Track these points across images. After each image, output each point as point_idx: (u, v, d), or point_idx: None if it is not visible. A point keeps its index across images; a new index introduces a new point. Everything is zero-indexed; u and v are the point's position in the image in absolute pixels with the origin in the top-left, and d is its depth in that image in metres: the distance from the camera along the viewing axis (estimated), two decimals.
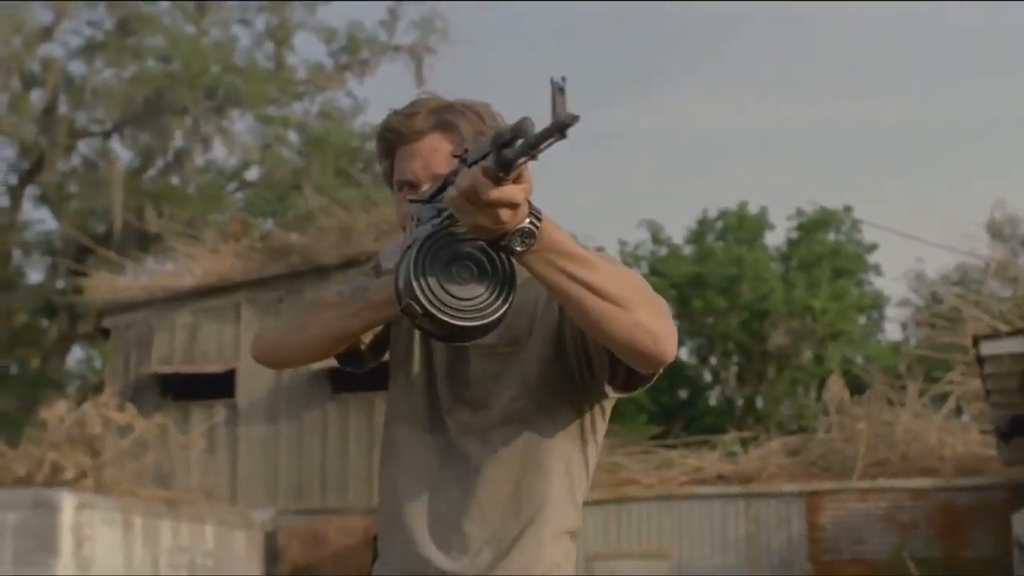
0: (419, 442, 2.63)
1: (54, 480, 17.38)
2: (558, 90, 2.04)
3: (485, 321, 2.37)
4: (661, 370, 2.44)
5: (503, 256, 2.35)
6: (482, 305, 2.36)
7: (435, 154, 2.58)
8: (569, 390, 2.57)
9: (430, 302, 2.33)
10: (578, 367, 2.55)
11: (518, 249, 2.23)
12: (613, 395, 2.54)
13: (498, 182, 2.14)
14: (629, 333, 2.31)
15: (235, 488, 22.44)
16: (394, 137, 2.64)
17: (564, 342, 2.56)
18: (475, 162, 2.19)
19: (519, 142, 2.10)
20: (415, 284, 2.33)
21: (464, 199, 2.17)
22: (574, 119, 2.03)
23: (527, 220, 2.21)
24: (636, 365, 2.41)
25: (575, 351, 2.54)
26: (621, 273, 2.37)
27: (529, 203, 2.21)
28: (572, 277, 2.28)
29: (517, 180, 2.15)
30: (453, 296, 2.34)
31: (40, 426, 18.98)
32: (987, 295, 21.61)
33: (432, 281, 2.34)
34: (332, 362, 2.84)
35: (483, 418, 2.57)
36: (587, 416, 2.61)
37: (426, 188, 2.56)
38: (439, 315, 2.34)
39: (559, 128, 2.04)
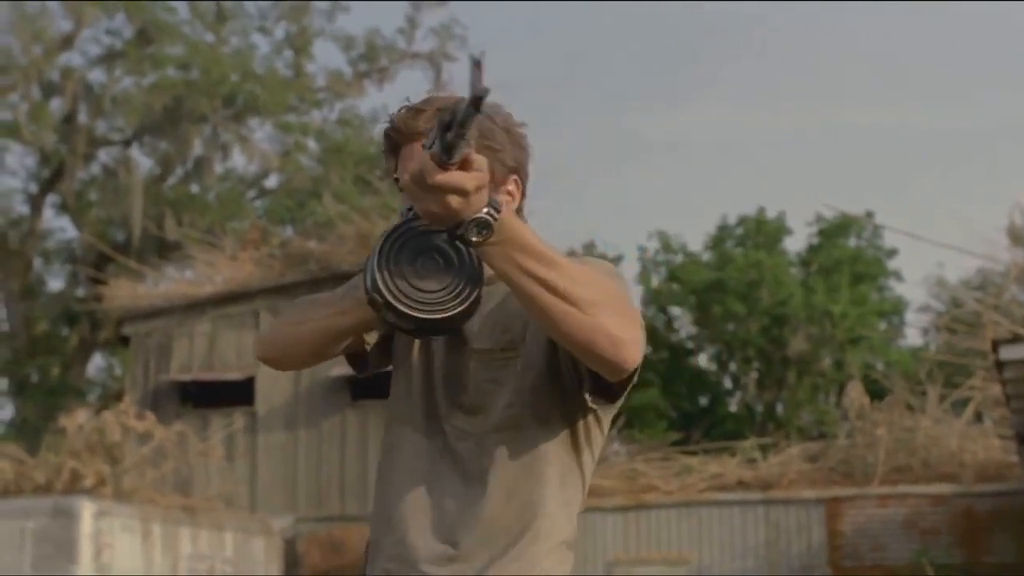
0: (416, 446, 2.61)
1: (74, 488, 17.40)
2: (475, 64, 2.03)
3: (448, 314, 2.37)
4: (634, 378, 2.42)
5: (471, 250, 2.34)
6: (445, 298, 2.36)
7: None
8: (562, 397, 2.53)
9: (392, 294, 2.34)
10: (569, 374, 2.52)
11: (473, 239, 2.21)
12: (591, 403, 2.50)
13: (444, 167, 2.13)
14: (587, 335, 2.29)
15: (254, 495, 22.47)
16: (396, 135, 2.63)
17: (556, 348, 2.52)
18: (429, 147, 2.18)
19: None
20: (378, 276, 2.35)
21: (412, 183, 2.17)
22: (485, 91, 2.02)
23: (484, 211, 2.20)
24: (598, 369, 2.38)
25: (566, 357, 2.51)
26: (588, 276, 2.32)
27: (491, 197, 2.21)
28: (530, 274, 2.25)
29: (465, 167, 2.15)
30: (416, 288, 2.35)
31: (60, 434, 19.01)
32: (1007, 299, 21.51)
33: (396, 273, 2.35)
34: (350, 369, 2.83)
35: (479, 424, 2.55)
36: (581, 425, 2.57)
37: None
38: (400, 307, 2.34)
39: (473, 103, 2.03)
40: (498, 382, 2.55)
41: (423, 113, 2.60)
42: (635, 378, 2.44)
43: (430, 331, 2.43)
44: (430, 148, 2.17)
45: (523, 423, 2.53)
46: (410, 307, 2.35)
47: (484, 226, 2.20)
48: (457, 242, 2.29)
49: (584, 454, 2.59)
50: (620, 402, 2.53)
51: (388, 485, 2.64)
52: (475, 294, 2.38)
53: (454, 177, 2.14)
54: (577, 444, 2.57)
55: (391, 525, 2.59)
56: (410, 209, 2.40)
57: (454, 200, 2.16)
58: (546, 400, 2.53)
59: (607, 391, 2.47)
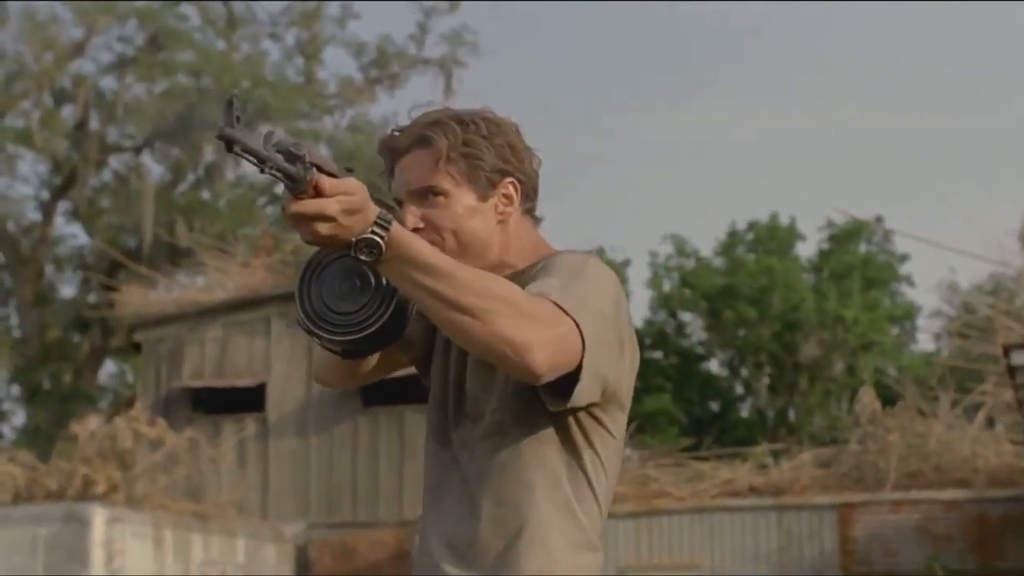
0: (433, 458, 2.65)
1: (85, 494, 17.45)
2: (226, 104, 2.11)
3: (363, 334, 2.43)
4: (579, 376, 2.38)
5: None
6: (362, 319, 2.43)
7: (410, 171, 2.60)
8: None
9: (310, 319, 2.43)
10: None
11: (363, 259, 2.28)
12: (550, 408, 2.48)
13: (297, 196, 2.21)
14: (484, 343, 2.31)
15: (266, 501, 22.48)
16: (385, 156, 2.69)
17: None
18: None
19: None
20: (298, 302, 2.43)
21: (283, 216, 2.26)
22: (223, 133, 2.10)
23: (369, 231, 2.26)
24: (514, 376, 2.40)
25: None
26: (483, 284, 2.34)
27: (380, 215, 2.26)
28: (423, 288, 2.30)
29: (319, 193, 2.21)
30: (333, 311, 2.43)
31: (72, 440, 19.06)
32: (1019, 304, 21.49)
33: (314, 298, 2.43)
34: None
35: (474, 432, 2.56)
36: (573, 426, 2.53)
37: (410, 207, 2.60)
38: (321, 333, 2.43)
39: (222, 141, 2.11)
40: (488, 389, 2.56)
41: (405, 132, 2.64)
42: (581, 376, 2.40)
43: (359, 351, 2.51)
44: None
45: (508, 428, 2.52)
46: (328, 331, 2.43)
47: (371, 245, 2.27)
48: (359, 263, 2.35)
49: (585, 454, 2.55)
50: (585, 400, 2.46)
51: (422, 495, 2.69)
52: (390, 310, 2.43)
53: (309, 205, 2.22)
54: (573, 444, 2.54)
55: (420, 535, 2.64)
56: None
57: (323, 227, 2.24)
58: (530, 404, 2.51)
59: (560, 392, 2.44)
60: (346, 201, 2.23)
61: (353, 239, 2.25)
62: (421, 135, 2.60)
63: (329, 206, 2.21)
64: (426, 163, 2.59)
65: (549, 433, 2.53)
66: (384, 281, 2.42)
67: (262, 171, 2.16)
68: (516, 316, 2.32)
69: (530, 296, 2.37)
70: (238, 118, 2.11)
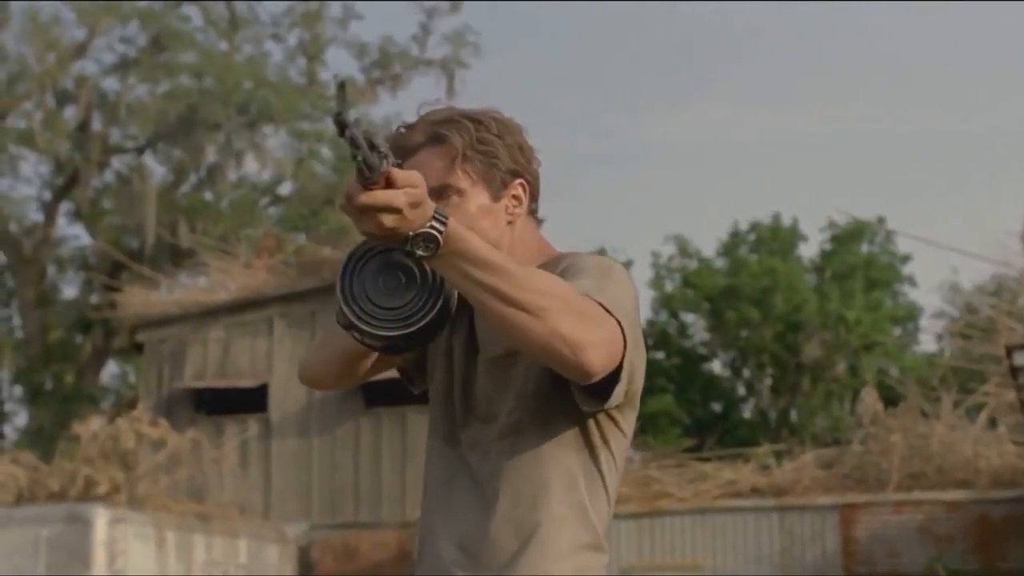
0: (440, 456, 2.63)
1: (88, 495, 17.46)
2: (338, 87, 2.10)
3: (411, 329, 2.39)
4: (619, 378, 2.40)
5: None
6: (408, 313, 2.39)
7: (424, 168, 2.54)
8: (565, 400, 2.51)
9: (355, 314, 2.38)
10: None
11: (420, 253, 2.24)
12: (583, 408, 2.48)
13: (367, 187, 2.17)
14: (543, 342, 2.29)
15: (268, 502, 22.48)
16: (395, 152, 2.61)
17: None
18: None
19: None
20: (341, 296, 2.38)
21: (347, 207, 2.22)
22: (341, 116, 2.09)
23: (428, 225, 2.23)
24: (566, 375, 2.37)
25: None
26: (539, 282, 2.32)
27: (437, 209, 2.24)
28: (481, 284, 2.27)
29: (390, 184, 2.18)
30: (378, 306, 2.38)
31: (74, 441, 19.07)
32: (1021, 305, 21.48)
33: (358, 293, 2.38)
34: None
35: (488, 432, 2.55)
36: (591, 426, 2.54)
37: None
38: (362, 326, 2.38)
39: (337, 126, 2.10)
40: (504, 389, 2.54)
41: (415, 129, 2.62)
42: (621, 377, 2.41)
43: (400, 348, 2.47)
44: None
45: (525, 428, 2.52)
46: (374, 326, 2.38)
47: (429, 239, 2.23)
48: (408, 257, 2.31)
49: (600, 454, 2.56)
50: (617, 401, 2.47)
51: (424, 497, 2.67)
52: (438, 306, 2.40)
53: (379, 196, 2.18)
54: (591, 444, 2.55)
55: (425, 537, 2.62)
56: None
57: (387, 218, 2.20)
58: (549, 404, 2.51)
59: (596, 393, 2.45)
60: (412, 194, 2.20)
61: (411, 233, 2.23)
62: (436, 132, 2.59)
63: (398, 198, 2.18)
64: (442, 161, 2.58)
65: (568, 434, 2.53)
66: (430, 277, 2.39)
67: (354, 157, 2.13)
68: (572, 315, 2.31)
69: (581, 295, 2.36)
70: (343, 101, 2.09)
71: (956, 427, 20.96)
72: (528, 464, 2.52)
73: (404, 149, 2.61)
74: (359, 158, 2.13)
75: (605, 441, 2.56)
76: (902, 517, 19.20)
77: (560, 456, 2.52)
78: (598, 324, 2.34)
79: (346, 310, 2.37)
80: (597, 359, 2.32)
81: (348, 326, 2.40)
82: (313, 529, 22.01)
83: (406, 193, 2.19)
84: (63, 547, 16.35)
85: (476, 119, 2.62)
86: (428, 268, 2.38)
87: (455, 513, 2.56)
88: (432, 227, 2.23)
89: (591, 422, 2.54)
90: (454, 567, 2.52)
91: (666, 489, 20.74)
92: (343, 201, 2.21)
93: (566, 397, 2.50)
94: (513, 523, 2.50)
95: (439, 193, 2.54)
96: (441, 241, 2.24)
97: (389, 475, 22.09)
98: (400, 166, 2.26)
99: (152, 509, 18.12)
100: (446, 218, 2.24)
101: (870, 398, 21.58)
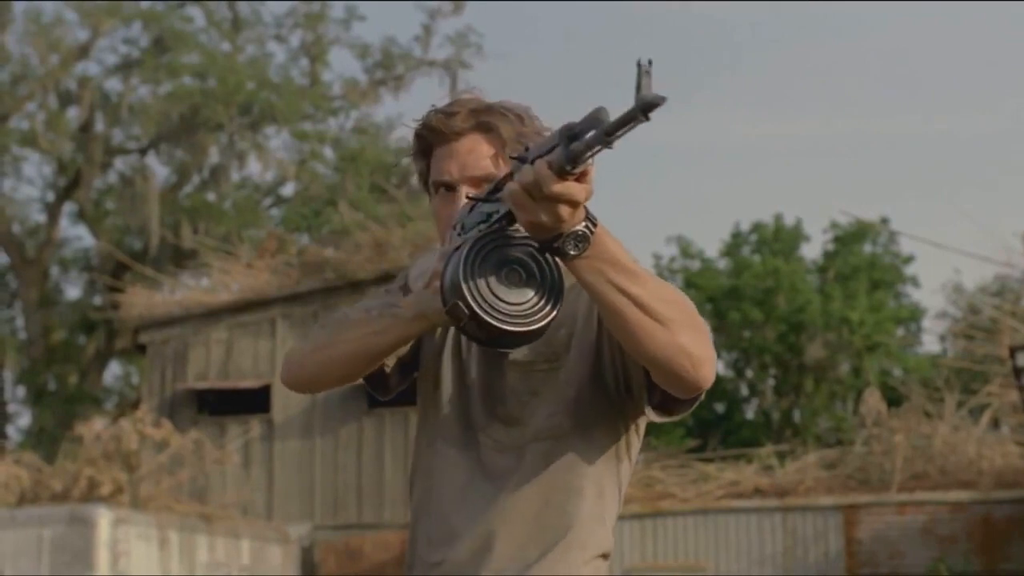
0: (450, 458, 2.59)
1: (90, 496, 17.45)
2: (645, 72, 2.01)
3: (531, 328, 2.34)
4: (701, 396, 2.40)
5: (552, 263, 2.33)
6: (530, 311, 2.33)
7: (472, 155, 2.54)
8: (606, 409, 2.51)
9: (478, 304, 2.31)
10: (615, 386, 2.51)
11: (571, 253, 2.20)
12: (655, 418, 2.48)
13: (562, 176, 2.11)
14: (669, 353, 2.27)
15: (271, 503, 22.48)
16: (432, 136, 2.60)
17: (602, 360, 2.50)
18: (536, 159, 2.15)
19: (591, 133, 2.07)
20: (464, 285, 2.30)
21: (525, 193, 2.14)
22: (660, 99, 2.00)
23: (583, 224, 2.19)
24: (672, 388, 2.36)
25: (613, 369, 2.49)
26: (669, 292, 2.31)
27: (586, 209, 2.19)
28: (619, 289, 2.24)
29: (581, 179, 2.13)
30: (501, 300, 2.32)
31: (77, 442, 19.06)
32: None
33: (481, 283, 2.31)
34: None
35: (517, 435, 2.53)
36: (623, 435, 2.56)
37: (466, 192, 2.53)
38: (486, 318, 2.31)
39: (644, 108, 2.01)
40: (538, 394, 2.52)
41: (457, 115, 2.58)
42: (703, 395, 2.41)
43: (506, 343, 2.40)
44: (536, 158, 2.15)
45: (564, 434, 2.51)
46: (498, 319, 2.31)
47: (582, 239, 2.19)
48: (548, 255, 2.28)
49: (623, 464, 2.58)
50: (679, 417, 2.49)
51: (426, 499, 2.62)
52: (557, 307, 2.35)
53: (570, 188, 2.12)
54: (618, 454, 2.56)
55: (431, 539, 2.58)
56: (488, 218, 2.37)
57: (564, 211, 2.15)
58: (590, 412, 2.51)
59: (668, 406, 2.45)
60: (591, 190, 2.16)
61: (566, 230, 2.18)
62: (484, 121, 2.57)
63: (582, 193, 2.14)
64: (488, 150, 2.55)
65: (603, 443, 2.54)
66: (549, 277, 2.34)
67: (607, 145, 2.06)
68: (694, 329, 2.31)
69: (696, 311, 2.36)
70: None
71: (959, 428, 20.95)
72: (563, 469, 2.51)
73: (445, 134, 2.57)
74: (576, 148, 2.08)
75: (628, 451, 2.59)
76: (905, 518, 19.19)
77: (595, 463, 2.53)
78: (708, 340, 2.34)
79: (469, 299, 2.29)
80: (709, 375, 2.32)
81: (468, 316, 2.31)
82: (316, 530, 22.01)
83: (587, 189, 2.15)
84: (66, 548, 16.35)
85: (517, 113, 2.59)
86: (548, 268, 2.34)
87: (474, 516, 2.53)
88: (587, 227, 2.19)
89: (623, 433, 2.55)
90: (479, 567, 2.50)
91: (669, 490, 20.73)
92: (524, 189, 2.15)
93: (603, 407, 2.51)
94: (540, 526, 2.50)
95: (485, 182, 2.51)
96: (591, 242, 2.21)
97: (392, 476, 22.08)
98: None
99: (155, 510, 18.12)
100: (596, 220, 2.21)
101: (873, 399, 21.56)
